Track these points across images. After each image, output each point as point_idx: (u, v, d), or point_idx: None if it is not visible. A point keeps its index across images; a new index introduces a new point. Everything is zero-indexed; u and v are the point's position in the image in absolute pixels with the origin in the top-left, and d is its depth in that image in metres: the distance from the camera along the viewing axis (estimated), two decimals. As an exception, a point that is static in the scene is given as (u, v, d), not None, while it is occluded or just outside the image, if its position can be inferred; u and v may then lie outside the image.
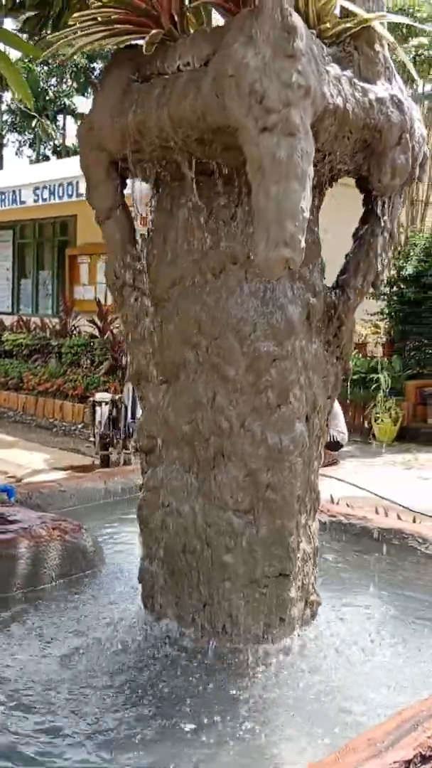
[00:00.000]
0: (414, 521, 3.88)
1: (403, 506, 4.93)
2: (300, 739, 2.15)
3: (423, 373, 10.62)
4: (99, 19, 2.46)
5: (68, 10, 3.96)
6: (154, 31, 2.36)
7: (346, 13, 2.38)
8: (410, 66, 2.59)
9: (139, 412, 7.70)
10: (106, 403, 8.63)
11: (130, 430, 7.99)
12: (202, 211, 2.43)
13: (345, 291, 2.59)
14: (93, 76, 27.33)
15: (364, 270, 2.58)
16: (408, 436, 9.96)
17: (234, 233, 2.42)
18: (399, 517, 3.98)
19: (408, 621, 2.86)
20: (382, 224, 2.53)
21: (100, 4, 2.41)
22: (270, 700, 2.32)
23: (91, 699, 2.31)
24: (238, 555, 2.50)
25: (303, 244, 2.04)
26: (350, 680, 2.43)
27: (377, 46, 2.43)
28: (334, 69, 2.21)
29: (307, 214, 2.05)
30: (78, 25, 2.51)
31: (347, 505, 3.99)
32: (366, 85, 2.31)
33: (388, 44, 2.43)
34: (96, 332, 12.21)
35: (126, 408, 8.27)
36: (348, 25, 2.36)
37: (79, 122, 2.57)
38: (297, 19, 2.05)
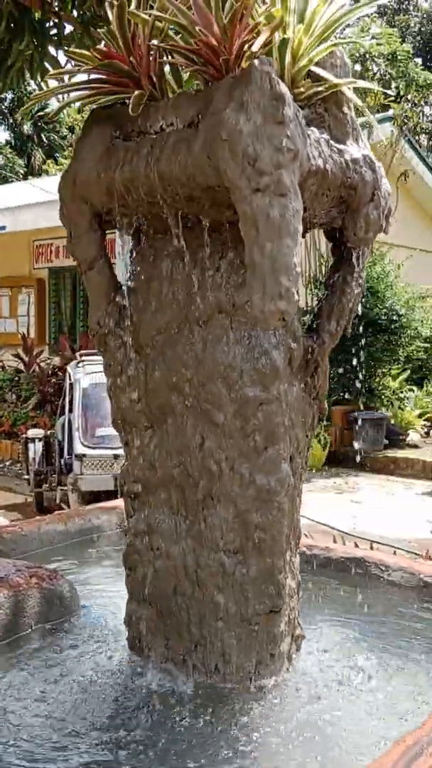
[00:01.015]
0: (371, 548, 4.04)
1: (351, 534, 5.13)
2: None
3: (347, 398, 10.97)
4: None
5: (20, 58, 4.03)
6: (137, 92, 2.46)
7: (316, 78, 2.54)
8: (376, 127, 2.78)
9: (79, 448, 7.65)
10: (40, 440, 8.53)
11: (66, 466, 7.93)
12: (187, 262, 2.53)
13: (320, 335, 2.72)
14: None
15: (337, 315, 2.73)
16: (336, 461, 10.25)
17: (219, 283, 2.52)
18: (356, 545, 4.14)
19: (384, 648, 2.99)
20: (356, 273, 2.68)
21: (87, 66, 2.49)
22: (266, 736, 2.38)
23: (84, 746, 2.32)
24: (230, 594, 2.57)
25: (296, 296, 2.17)
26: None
27: (345, 109, 2.59)
28: (314, 133, 2.36)
29: (299, 269, 2.17)
30: (60, 84, 2.59)
31: (306, 535, 4.11)
32: (342, 147, 2.47)
33: (356, 107, 2.60)
34: (21, 366, 12.06)
35: (60, 444, 8.19)
36: (319, 89, 2.52)
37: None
38: (284, 88, 2.19)
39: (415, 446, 10.98)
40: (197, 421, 2.56)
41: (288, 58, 2.40)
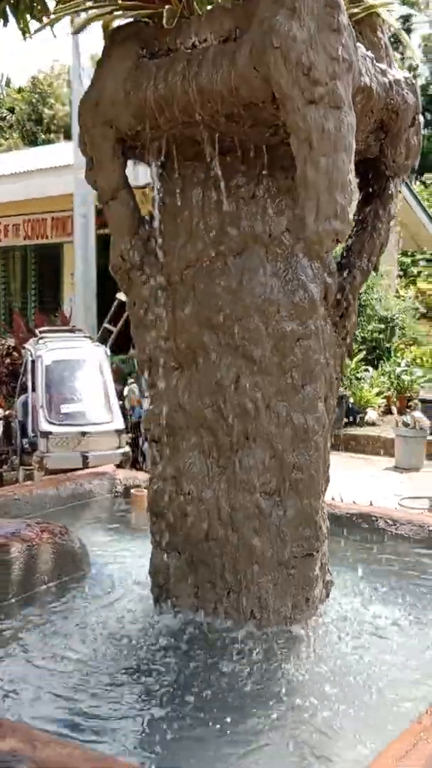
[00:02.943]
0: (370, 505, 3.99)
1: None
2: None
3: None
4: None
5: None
6: (168, 7, 2.31)
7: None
8: (413, 49, 2.70)
9: (44, 425, 7.43)
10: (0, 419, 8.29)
11: (30, 445, 7.68)
12: (221, 189, 2.40)
13: (351, 272, 2.64)
14: None
15: (368, 251, 2.64)
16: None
17: (254, 212, 2.41)
18: (354, 503, 4.08)
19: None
20: (388, 207, 2.60)
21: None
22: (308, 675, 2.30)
23: (119, 691, 2.20)
24: (266, 537, 2.47)
25: (351, 216, 2.07)
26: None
27: (380, 33, 2.50)
28: (360, 48, 2.26)
29: (354, 187, 2.07)
30: (84, -2, 2.42)
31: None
32: (383, 66, 2.38)
33: (391, 30, 2.51)
34: (-26, 348, 11.66)
35: (21, 423, 7.94)
36: (355, 10, 2.42)
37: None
38: (337, -6, 2.07)
39: (373, 424, 11.05)
40: (232, 358, 2.44)
41: (328, -26, 2.28)
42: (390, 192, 2.59)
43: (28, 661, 2.36)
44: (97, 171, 2.50)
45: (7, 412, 8.44)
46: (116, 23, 2.49)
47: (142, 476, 4.66)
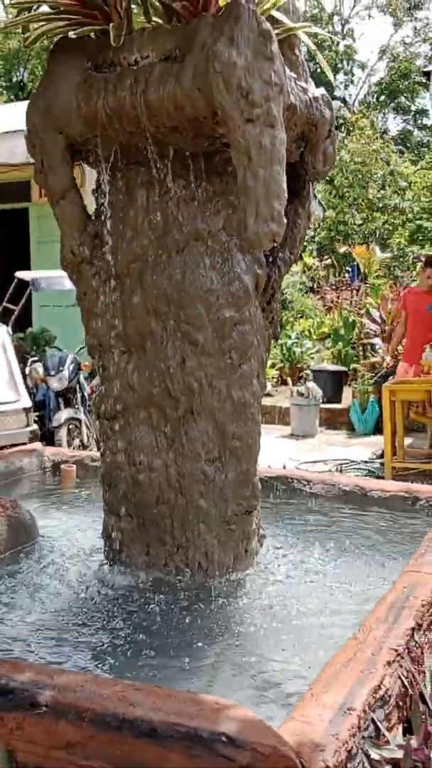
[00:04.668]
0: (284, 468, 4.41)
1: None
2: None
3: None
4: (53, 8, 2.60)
5: None
6: (116, 23, 2.56)
7: (271, 20, 2.75)
8: (327, 69, 3.05)
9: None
10: None
11: None
12: (164, 192, 2.68)
13: (276, 263, 2.98)
14: None
15: (290, 244, 3.00)
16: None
17: (194, 212, 2.70)
18: (269, 467, 4.49)
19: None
20: (306, 205, 2.96)
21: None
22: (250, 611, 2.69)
23: (85, 640, 2.50)
24: (211, 499, 2.81)
25: (284, 219, 2.41)
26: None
27: (297, 51, 2.84)
28: (287, 70, 2.59)
29: (286, 194, 2.41)
30: (32, 12, 2.62)
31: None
32: (304, 85, 2.72)
33: (309, 50, 2.85)
34: None
35: None
36: (276, 31, 2.74)
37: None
38: (269, 26, 2.39)
39: (269, 395, 11.59)
40: (178, 342, 2.75)
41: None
42: (308, 192, 2.95)
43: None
44: (47, 174, 2.73)
45: None
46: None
47: (68, 452, 4.90)
